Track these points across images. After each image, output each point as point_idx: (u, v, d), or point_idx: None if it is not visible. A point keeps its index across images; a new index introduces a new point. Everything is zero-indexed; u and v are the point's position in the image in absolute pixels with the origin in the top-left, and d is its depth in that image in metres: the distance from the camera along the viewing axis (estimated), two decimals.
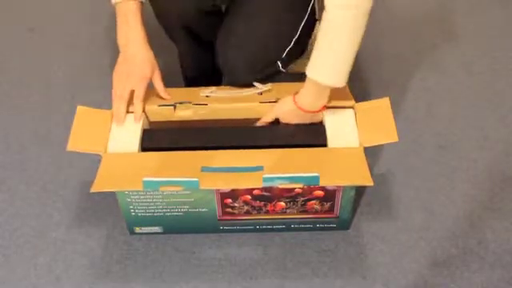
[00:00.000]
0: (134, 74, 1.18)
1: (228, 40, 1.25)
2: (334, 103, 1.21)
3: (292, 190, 1.12)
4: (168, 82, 1.33)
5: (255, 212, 1.18)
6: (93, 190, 1.07)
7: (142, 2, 1.18)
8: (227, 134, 1.19)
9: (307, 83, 1.12)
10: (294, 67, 1.35)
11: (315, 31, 1.55)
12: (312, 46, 1.52)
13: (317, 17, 1.31)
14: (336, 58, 1.07)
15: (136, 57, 1.19)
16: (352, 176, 1.09)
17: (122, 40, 1.19)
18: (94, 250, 1.22)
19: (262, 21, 1.24)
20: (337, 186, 1.12)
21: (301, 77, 1.50)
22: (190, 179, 1.06)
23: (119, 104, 1.17)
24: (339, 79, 1.08)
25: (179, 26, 1.26)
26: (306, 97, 1.14)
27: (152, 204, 1.15)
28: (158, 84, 1.22)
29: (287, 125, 1.21)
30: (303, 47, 1.34)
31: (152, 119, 1.24)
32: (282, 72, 1.28)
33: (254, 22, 1.24)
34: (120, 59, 1.20)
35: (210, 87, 1.27)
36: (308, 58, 1.54)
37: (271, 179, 1.07)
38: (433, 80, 1.57)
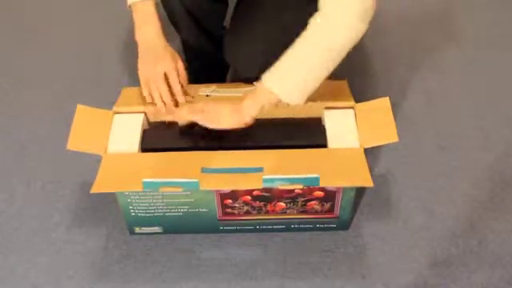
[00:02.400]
0: (161, 59, 1.18)
1: (239, 35, 1.25)
2: (334, 103, 1.21)
3: (292, 190, 1.12)
4: None
5: (255, 212, 1.18)
6: (93, 191, 1.07)
7: (157, 3, 1.17)
8: (227, 134, 1.19)
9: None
10: None
11: None
12: None
13: None
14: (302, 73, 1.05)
15: (158, 49, 1.18)
16: (352, 177, 1.09)
17: (141, 36, 1.18)
18: (93, 250, 1.22)
19: (274, 17, 1.23)
20: (337, 187, 1.12)
21: None
22: (190, 180, 1.06)
23: (160, 93, 1.17)
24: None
25: (182, 9, 1.26)
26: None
27: (152, 204, 1.15)
28: (183, 75, 1.21)
29: (287, 124, 1.21)
30: None
31: (152, 119, 1.24)
32: None
33: (266, 18, 1.24)
34: (142, 53, 1.19)
35: (211, 85, 1.27)
36: None
37: (271, 180, 1.07)
38: (433, 80, 1.57)
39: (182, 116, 1.19)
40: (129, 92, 1.28)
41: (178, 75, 1.20)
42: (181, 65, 1.21)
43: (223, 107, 1.16)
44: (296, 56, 1.05)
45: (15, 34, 1.76)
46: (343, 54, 1.04)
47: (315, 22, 1.03)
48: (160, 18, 1.19)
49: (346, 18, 1.01)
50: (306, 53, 1.04)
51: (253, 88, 1.14)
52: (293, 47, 1.05)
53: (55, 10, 1.84)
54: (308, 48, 1.04)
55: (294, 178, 1.07)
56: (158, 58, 1.18)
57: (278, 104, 1.10)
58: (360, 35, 1.03)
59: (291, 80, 1.07)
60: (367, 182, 1.07)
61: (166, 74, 1.18)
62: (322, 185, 1.07)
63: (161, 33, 1.19)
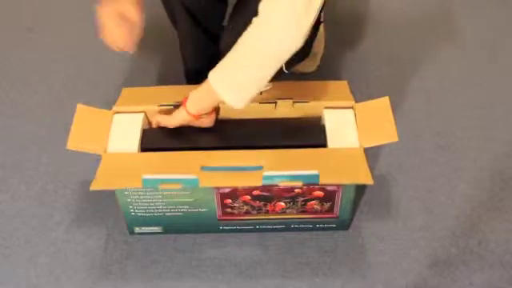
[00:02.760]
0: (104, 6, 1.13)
1: (235, 33, 1.25)
2: (334, 103, 1.21)
3: (292, 190, 1.12)
4: (168, 82, 1.32)
5: (255, 212, 1.18)
6: (92, 188, 1.07)
7: None
8: (227, 134, 1.19)
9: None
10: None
11: (320, 30, 1.54)
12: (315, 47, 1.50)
13: (321, 19, 1.30)
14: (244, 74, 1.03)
15: None
16: (352, 175, 1.09)
17: None
18: (93, 250, 1.22)
19: None
20: (337, 186, 1.12)
21: (301, 76, 1.51)
22: (190, 177, 1.06)
23: (105, 22, 1.12)
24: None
25: (181, 8, 1.25)
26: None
27: (152, 204, 1.15)
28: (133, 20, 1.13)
29: (287, 124, 1.21)
30: (308, 49, 1.32)
31: (152, 119, 1.24)
32: (285, 73, 1.27)
33: None
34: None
35: None
36: (310, 59, 1.54)
37: (271, 177, 1.07)
38: (433, 80, 1.57)
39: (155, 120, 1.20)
40: (129, 92, 1.28)
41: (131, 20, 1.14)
42: (131, 10, 1.13)
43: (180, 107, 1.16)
44: (234, 56, 1.03)
45: (15, 34, 1.76)
46: (280, 56, 1.00)
47: (253, 23, 1.00)
48: None
49: (277, 21, 0.97)
50: (242, 54, 1.02)
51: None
52: (234, 47, 1.02)
53: (55, 10, 1.84)
54: (243, 49, 1.02)
55: (293, 176, 1.07)
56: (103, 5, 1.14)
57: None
58: (297, 37, 0.98)
59: (230, 80, 1.05)
60: (367, 179, 1.07)
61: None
62: (321, 182, 1.07)
63: None
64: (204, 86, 1.09)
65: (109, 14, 1.13)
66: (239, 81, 1.05)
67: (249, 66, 1.03)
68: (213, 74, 1.06)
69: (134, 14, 1.15)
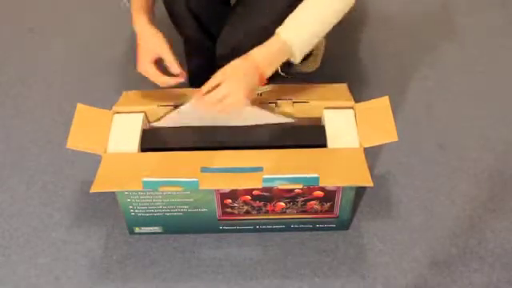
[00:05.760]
0: (149, 45, 1.19)
1: (229, 40, 1.25)
2: (333, 103, 1.21)
3: (292, 190, 1.12)
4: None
5: (255, 212, 1.18)
6: (92, 190, 1.07)
7: None
8: (227, 134, 1.19)
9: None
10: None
11: None
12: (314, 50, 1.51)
13: None
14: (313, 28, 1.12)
15: (144, 34, 1.19)
16: (352, 177, 1.09)
17: (134, 26, 1.21)
18: (93, 250, 1.22)
19: (265, 24, 1.22)
20: (336, 187, 1.12)
21: (302, 76, 1.51)
22: (190, 180, 1.06)
23: (147, 71, 1.19)
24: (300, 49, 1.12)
25: (183, 6, 1.26)
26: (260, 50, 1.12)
27: (152, 204, 1.15)
28: (168, 56, 1.19)
29: (287, 124, 1.21)
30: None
31: (152, 119, 1.24)
32: (281, 75, 1.27)
33: (257, 23, 1.22)
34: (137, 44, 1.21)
35: None
36: (311, 59, 1.54)
37: (271, 180, 1.07)
38: (433, 80, 1.57)
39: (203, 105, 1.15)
40: (129, 95, 1.28)
41: (165, 61, 1.19)
42: (166, 53, 1.18)
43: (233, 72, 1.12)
44: (306, 13, 1.11)
45: (16, 34, 1.76)
46: (340, 12, 1.12)
47: None
48: (150, 7, 1.21)
49: None
50: (311, 11, 1.11)
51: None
52: (301, 6, 1.10)
53: (56, 11, 1.84)
54: (312, 7, 1.11)
55: (293, 178, 1.07)
56: (140, 55, 1.18)
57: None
58: None
59: (303, 36, 1.11)
60: (367, 181, 1.07)
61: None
62: (321, 184, 1.07)
63: (144, 20, 1.19)
64: (275, 45, 1.11)
65: (146, 69, 1.19)
66: (307, 37, 1.12)
67: (316, 22, 1.12)
68: (287, 32, 1.10)
69: (168, 55, 1.18)
